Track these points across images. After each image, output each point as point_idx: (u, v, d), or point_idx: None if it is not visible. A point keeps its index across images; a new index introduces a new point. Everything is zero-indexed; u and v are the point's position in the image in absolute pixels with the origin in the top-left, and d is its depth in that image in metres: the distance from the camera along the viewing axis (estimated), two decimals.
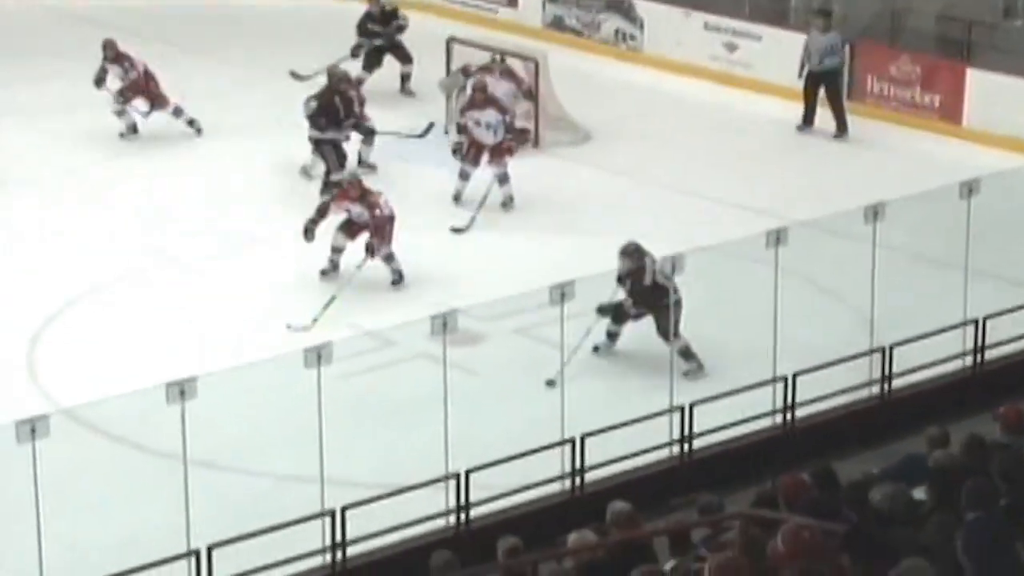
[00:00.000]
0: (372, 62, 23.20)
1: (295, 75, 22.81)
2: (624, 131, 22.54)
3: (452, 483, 12.39)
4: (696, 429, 13.26)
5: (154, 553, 11.50)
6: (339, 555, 11.99)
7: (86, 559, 11.80)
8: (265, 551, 11.72)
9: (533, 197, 20.08)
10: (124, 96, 21.86)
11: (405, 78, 23.36)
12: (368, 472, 13.09)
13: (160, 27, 26.49)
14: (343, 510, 11.93)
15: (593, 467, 12.98)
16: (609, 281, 15.37)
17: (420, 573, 10.38)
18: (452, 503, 12.39)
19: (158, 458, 12.93)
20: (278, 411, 13.94)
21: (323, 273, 17.54)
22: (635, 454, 13.16)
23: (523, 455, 12.74)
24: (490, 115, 19.38)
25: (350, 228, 17.53)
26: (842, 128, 22.12)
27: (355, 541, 12.00)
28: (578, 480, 12.85)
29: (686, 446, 13.30)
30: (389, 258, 17.39)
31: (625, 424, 13.16)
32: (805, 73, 22.16)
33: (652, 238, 17.63)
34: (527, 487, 12.66)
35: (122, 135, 21.94)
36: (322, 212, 17.68)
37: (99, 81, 21.83)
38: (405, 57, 23.36)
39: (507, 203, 19.48)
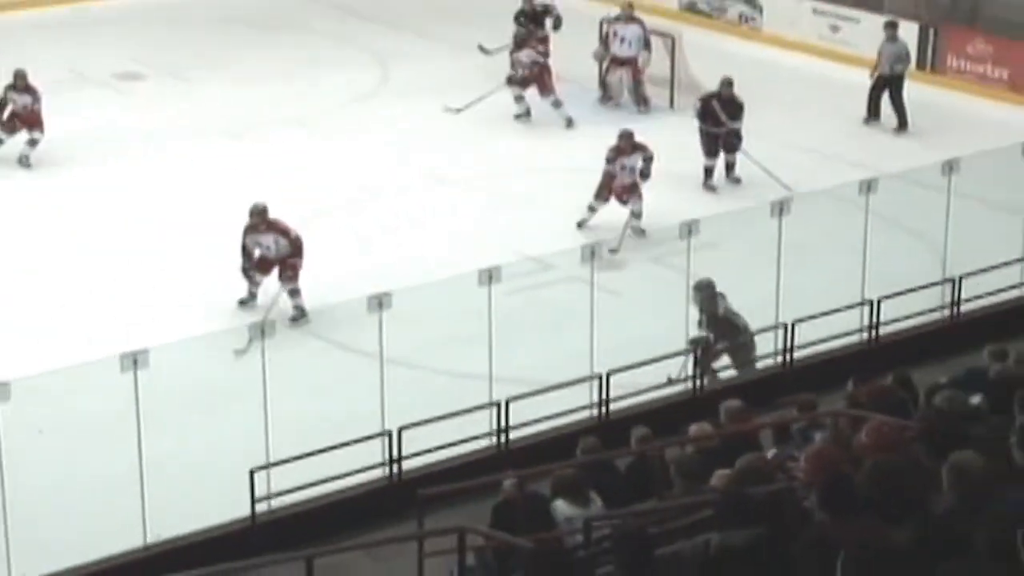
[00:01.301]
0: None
1: (482, 49, 22.41)
2: (745, 97, 22.23)
3: (596, 382, 12.38)
4: (798, 342, 13.15)
5: (356, 431, 11.63)
6: (504, 439, 12.03)
7: (304, 432, 11.90)
8: (444, 434, 11.78)
9: (668, 149, 19.94)
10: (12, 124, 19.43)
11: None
12: (527, 371, 13.07)
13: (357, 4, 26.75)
14: (507, 402, 11.96)
15: (712, 372, 12.91)
16: (728, 223, 15.27)
17: (569, 455, 10.41)
18: (595, 398, 12.39)
19: (360, 356, 13.01)
20: (456, 320, 13.95)
21: (241, 303, 15.47)
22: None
23: (654, 360, 12.69)
24: (635, 159, 17.52)
25: (263, 264, 15.46)
26: (904, 125, 20.92)
27: (516, 427, 12.02)
28: (698, 382, 12.79)
29: (788, 356, 13.19)
30: (294, 292, 15.24)
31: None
32: (876, 76, 21.12)
33: (766, 184, 17.62)
34: (656, 387, 12.63)
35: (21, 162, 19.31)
36: (244, 249, 15.51)
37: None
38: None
39: (640, 233, 17.18)
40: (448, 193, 18.66)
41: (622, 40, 21.66)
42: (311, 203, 18.19)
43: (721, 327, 13.48)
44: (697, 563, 7.51)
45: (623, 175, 17.37)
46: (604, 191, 17.45)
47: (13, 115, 19.50)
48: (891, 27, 21.41)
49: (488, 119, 21.01)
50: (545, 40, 22.08)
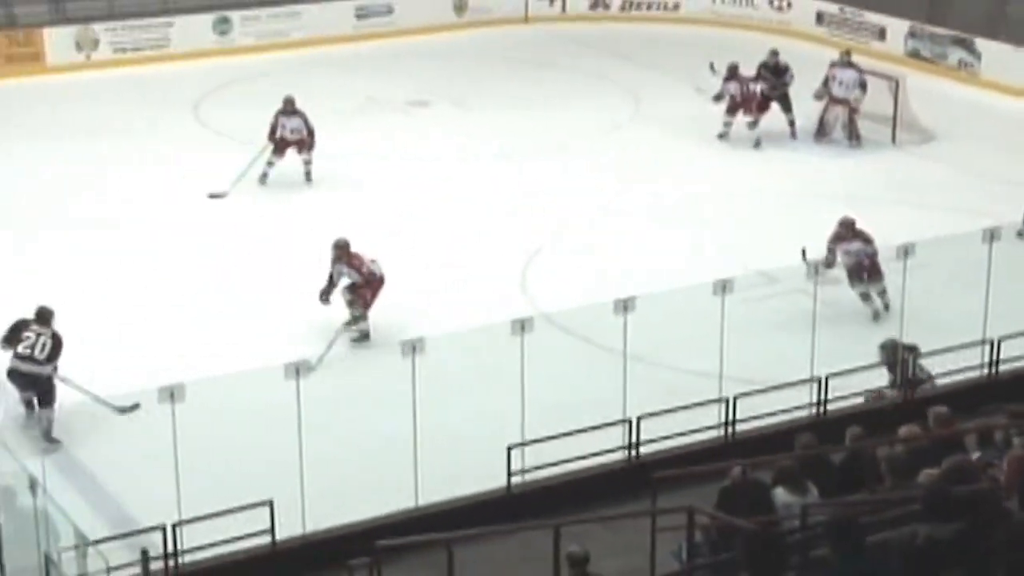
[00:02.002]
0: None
1: (712, 68, 22.04)
2: (961, 135, 21.71)
3: (814, 384, 12.13)
4: (1003, 356, 12.69)
5: (600, 418, 11.59)
6: (730, 430, 11.86)
7: (555, 416, 11.81)
8: (677, 424, 11.69)
9: (889, 180, 19.55)
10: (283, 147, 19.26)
11: (792, 124, 21.73)
12: (753, 371, 12.84)
13: (618, 45, 26.80)
14: (735, 398, 11.80)
15: (921, 381, 12.53)
16: (940, 247, 14.77)
17: (789, 448, 10.23)
18: (814, 399, 12.14)
19: (606, 352, 13.00)
20: (692, 324, 13.72)
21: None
22: (950, 372, 12.67)
23: (868, 367, 12.37)
24: (856, 244, 15.57)
25: (353, 288, 15.03)
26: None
27: (743, 420, 11.82)
28: (910, 389, 12.43)
29: (994, 369, 12.72)
30: (358, 319, 14.88)
31: (945, 351, 12.69)
32: None
33: (973, 212, 17.06)
34: (867, 391, 12.31)
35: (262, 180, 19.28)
36: (330, 277, 15.07)
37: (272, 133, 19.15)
38: (788, 107, 21.71)
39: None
40: (686, 210, 18.58)
41: (840, 83, 21.36)
42: (563, 216, 18.35)
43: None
44: (903, 551, 7.33)
45: (847, 259, 15.59)
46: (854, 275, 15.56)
47: (283, 139, 19.24)
48: None
49: (720, 149, 21.01)
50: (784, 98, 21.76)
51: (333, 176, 19.80)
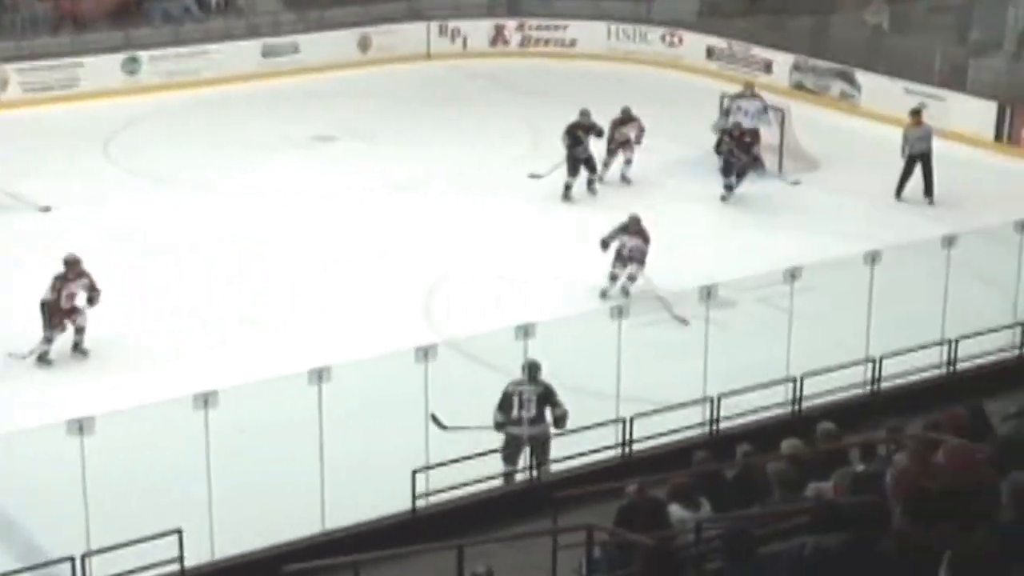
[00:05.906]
0: None
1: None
2: (843, 161, 22.02)
3: (708, 404, 12.16)
4: (884, 374, 12.81)
5: (499, 440, 11.52)
6: (628, 450, 11.85)
7: (456, 440, 11.71)
8: (576, 445, 11.67)
9: (776, 205, 19.71)
10: None
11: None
12: (650, 392, 12.70)
13: (517, 80, 26.83)
14: (631, 419, 11.79)
15: (809, 397, 12.60)
16: (826, 270, 14.87)
17: (684, 465, 10.22)
18: (707, 417, 12.16)
19: (506, 375, 12.84)
20: (589, 348, 13.50)
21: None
22: (837, 390, 12.73)
23: (751, 389, 12.36)
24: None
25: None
26: (930, 194, 20.30)
27: (639, 440, 11.79)
28: (798, 407, 12.51)
29: (877, 386, 12.84)
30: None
31: (842, 367, 12.71)
32: (906, 156, 20.41)
33: (856, 235, 17.25)
34: (755, 410, 12.35)
35: None
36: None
37: None
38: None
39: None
40: (584, 243, 18.56)
41: (745, 112, 21.62)
42: (466, 245, 18.29)
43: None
44: (793, 562, 7.33)
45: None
46: None
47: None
48: (915, 113, 20.96)
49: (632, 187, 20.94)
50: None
51: (245, 209, 19.71)
